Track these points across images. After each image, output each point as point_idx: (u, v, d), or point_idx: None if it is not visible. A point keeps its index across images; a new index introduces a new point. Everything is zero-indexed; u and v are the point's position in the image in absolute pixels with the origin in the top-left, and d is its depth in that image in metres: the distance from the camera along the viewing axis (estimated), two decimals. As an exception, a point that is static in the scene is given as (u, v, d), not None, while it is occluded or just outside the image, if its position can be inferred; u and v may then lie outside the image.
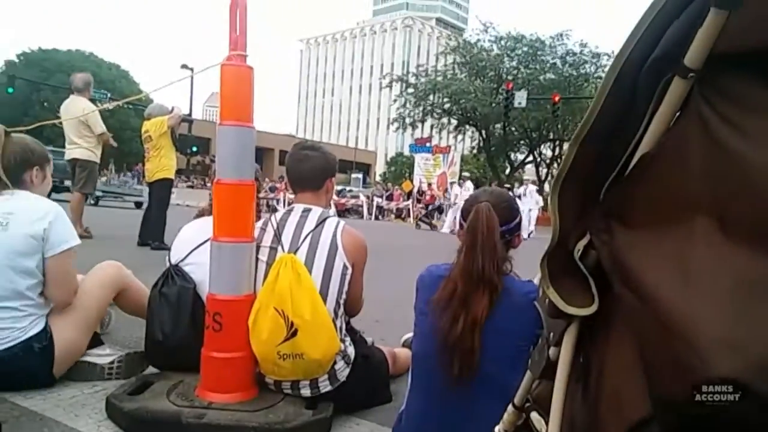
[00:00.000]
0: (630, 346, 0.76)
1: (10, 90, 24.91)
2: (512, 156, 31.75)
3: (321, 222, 2.00)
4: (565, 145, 28.46)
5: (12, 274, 1.94)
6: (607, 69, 0.83)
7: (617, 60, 0.75)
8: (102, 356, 2.19)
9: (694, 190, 0.68)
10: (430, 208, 17.80)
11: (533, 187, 16.57)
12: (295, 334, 1.82)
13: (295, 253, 1.91)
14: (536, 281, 1.59)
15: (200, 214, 2.49)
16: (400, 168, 46.15)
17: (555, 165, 30.21)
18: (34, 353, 1.96)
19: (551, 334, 0.96)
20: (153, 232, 6.03)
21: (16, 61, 36.90)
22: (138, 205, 16.28)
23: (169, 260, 2.24)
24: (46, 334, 2.00)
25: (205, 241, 2.03)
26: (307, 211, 2.04)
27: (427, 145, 25.57)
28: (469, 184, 15.86)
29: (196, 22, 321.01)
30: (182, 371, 2.03)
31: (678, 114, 0.73)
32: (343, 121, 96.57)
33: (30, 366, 1.96)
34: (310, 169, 2.09)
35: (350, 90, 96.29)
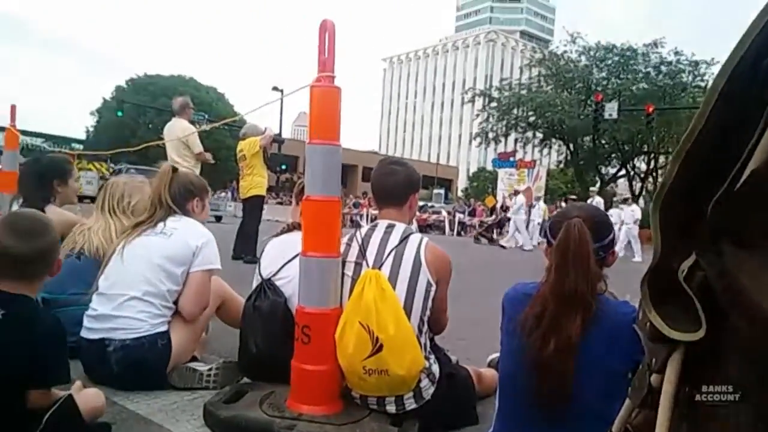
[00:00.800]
0: (742, 376, 0.70)
1: (120, 113, 27.31)
2: (603, 170, 30.37)
3: (404, 238, 2.01)
4: (661, 158, 27.00)
5: (162, 275, 2.23)
6: (712, 77, 0.77)
7: (726, 66, 0.69)
8: (201, 365, 2.33)
9: None
10: (489, 222, 17.40)
11: (599, 199, 15.27)
12: (380, 349, 1.83)
13: (379, 268, 1.93)
14: (628, 298, 1.51)
15: (287, 229, 2.56)
16: (483, 183, 45.47)
17: (650, 179, 28.59)
18: (157, 348, 2.18)
19: (653, 359, 0.89)
20: (246, 246, 6.32)
21: (125, 86, 40.08)
22: (218, 218, 16.95)
23: (260, 274, 2.33)
24: (167, 336, 2.22)
25: (296, 256, 2.10)
26: (390, 227, 2.06)
27: (511, 159, 25.10)
28: (519, 198, 15.10)
29: (285, 47, 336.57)
30: (274, 382, 2.10)
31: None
32: (425, 137, 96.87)
33: (149, 359, 2.16)
34: (395, 184, 2.12)
35: (432, 106, 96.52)
